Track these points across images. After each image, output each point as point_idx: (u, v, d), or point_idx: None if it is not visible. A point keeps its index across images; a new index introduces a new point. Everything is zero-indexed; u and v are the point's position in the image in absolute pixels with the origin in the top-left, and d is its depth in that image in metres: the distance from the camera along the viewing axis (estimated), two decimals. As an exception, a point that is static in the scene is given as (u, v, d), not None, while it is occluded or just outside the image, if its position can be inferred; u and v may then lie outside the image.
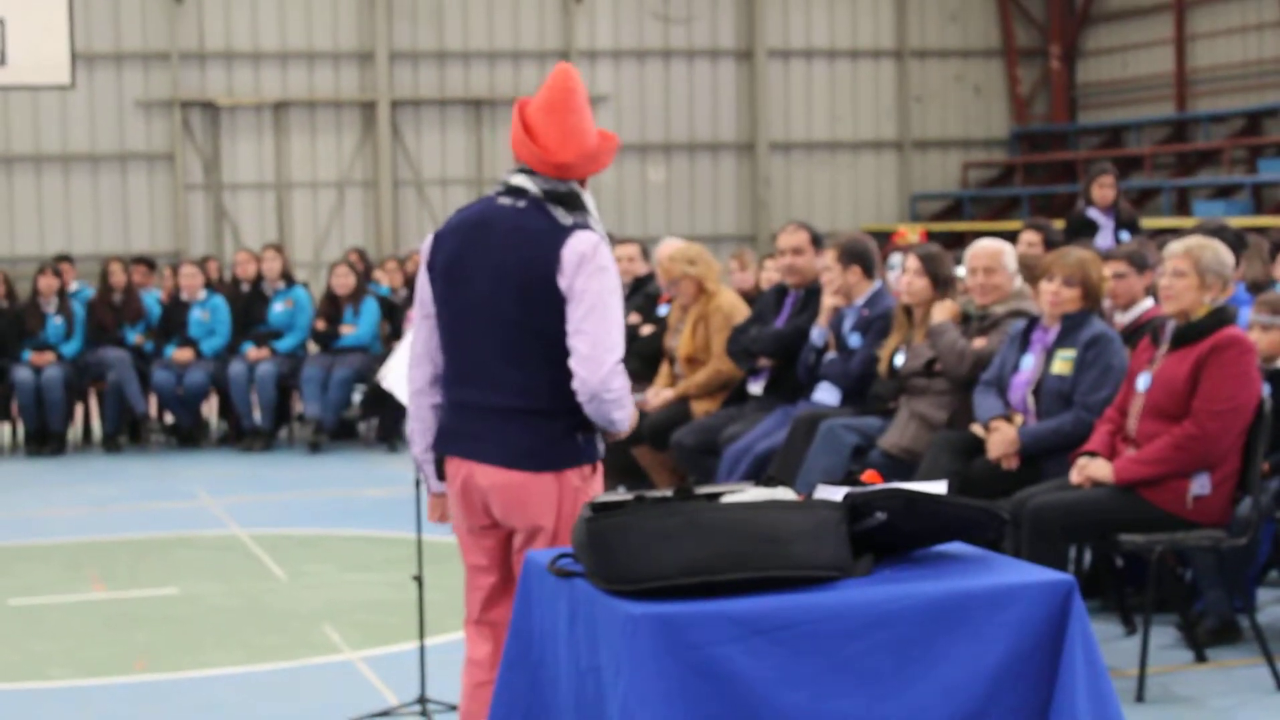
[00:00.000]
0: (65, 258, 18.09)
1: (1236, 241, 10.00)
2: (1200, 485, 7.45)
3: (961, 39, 27.46)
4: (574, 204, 5.32)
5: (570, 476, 5.27)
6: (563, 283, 5.17)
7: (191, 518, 12.56)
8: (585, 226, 5.27)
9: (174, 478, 14.47)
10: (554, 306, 5.21)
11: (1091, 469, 7.59)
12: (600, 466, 5.41)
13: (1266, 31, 23.87)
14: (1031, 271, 9.26)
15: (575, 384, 5.18)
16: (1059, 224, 14.62)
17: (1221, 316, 7.51)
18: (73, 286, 16.79)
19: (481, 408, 5.31)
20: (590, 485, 5.33)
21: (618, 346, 5.21)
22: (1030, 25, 27.65)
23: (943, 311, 9.16)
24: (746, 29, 26.43)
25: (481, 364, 5.30)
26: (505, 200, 5.34)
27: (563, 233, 5.23)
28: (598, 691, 4.11)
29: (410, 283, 16.44)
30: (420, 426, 5.53)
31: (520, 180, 5.33)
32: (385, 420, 15.84)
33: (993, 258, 9.07)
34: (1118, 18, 26.70)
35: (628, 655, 3.90)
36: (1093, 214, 15.06)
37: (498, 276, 5.26)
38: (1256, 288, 10.11)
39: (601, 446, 5.41)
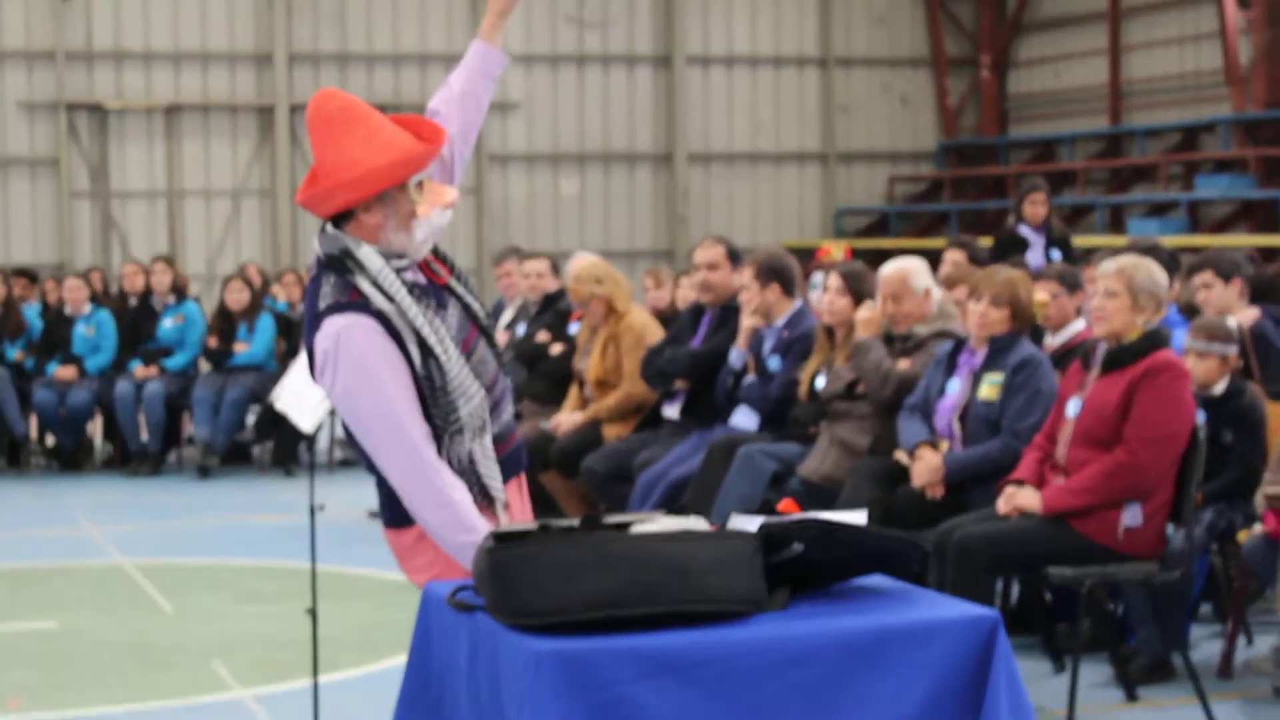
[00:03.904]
0: (-61, 268, 17.66)
1: (1170, 261, 10.09)
2: (1132, 516, 7.40)
3: (889, 47, 27.18)
4: (344, 267, 4.64)
5: (398, 534, 4.81)
6: (322, 386, 4.69)
7: (73, 546, 12.38)
8: (339, 308, 4.61)
9: (55, 503, 14.31)
10: None
11: (1019, 499, 7.55)
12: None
13: (1203, 43, 23.54)
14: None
15: None
16: (987, 241, 14.67)
17: (1154, 339, 7.50)
18: (-53, 298, 16.52)
19: None
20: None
21: (404, 469, 4.60)
22: (960, 33, 27.36)
23: (867, 324, 9.07)
24: (665, 34, 25.97)
25: None
26: (313, 268, 4.80)
27: (315, 323, 4.66)
28: (500, 731, 4.00)
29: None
30: None
31: (315, 243, 4.75)
32: (280, 443, 15.67)
33: (899, 283, 9.08)
34: (1050, 26, 26.46)
35: (530, 694, 3.83)
36: (1024, 231, 14.96)
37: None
38: (1190, 310, 10.03)
39: (490, 495, 4.81)
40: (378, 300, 4.58)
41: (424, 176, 4.72)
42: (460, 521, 4.53)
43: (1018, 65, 27.08)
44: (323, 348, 4.60)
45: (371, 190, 4.59)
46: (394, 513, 4.77)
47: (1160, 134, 24.11)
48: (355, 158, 4.58)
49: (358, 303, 4.59)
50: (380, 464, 4.62)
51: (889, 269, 9.18)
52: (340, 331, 4.56)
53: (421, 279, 4.73)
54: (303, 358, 9.07)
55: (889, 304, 9.07)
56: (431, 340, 4.62)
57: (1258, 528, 8.08)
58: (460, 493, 4.58)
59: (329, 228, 4.69)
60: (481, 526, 4.51)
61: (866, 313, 9.11)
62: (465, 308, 4.82)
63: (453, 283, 4.83)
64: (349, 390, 4.59)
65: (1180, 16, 23.94)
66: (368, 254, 4.60)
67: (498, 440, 4.80)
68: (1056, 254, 14.42)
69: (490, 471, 4.76)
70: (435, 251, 4.84)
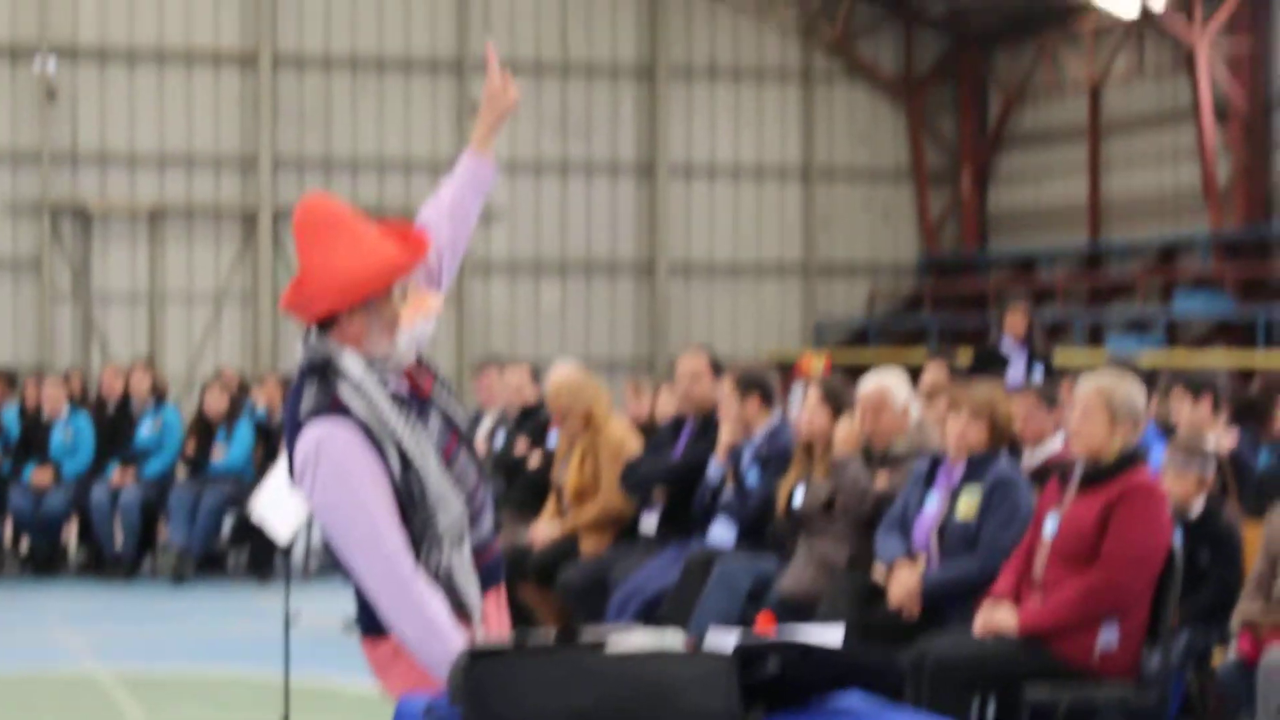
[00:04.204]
0: (-84, 368, 17.56)
1: (1146, 379, 9.95)
2: (1108, 636, 7.32)
3: (870, 159, 27.34)
4: (327, 374, 4.65)
5: (374, 643, 4.76)
6: (301, 494, 4.67)
7: (45, 653, 12.14)
8: (319, 414, 4.61)
9: (28, 608, 14.07)
10: None
11: (996, 618, 7.47)
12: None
13: (1182, 160, 23.64)
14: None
15: None
16: (966, 353, 14.80)
17: (1132, 458, 7.44)
18: (-77, 399, 16.36)
19: None
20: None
21: (381, 577, 4.57)
22: (941, 148, 27.48)
23: (846, 440, 9.01)
24: (648, 143, 26.09)
25: None
26: (296, 376, 4.80)
27: (295, 430, 4.65)
28: None
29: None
30: None
31: (298, 349, 4.78)
32: (256, 551, 15.43)
33: (878, 400, 9.06)
34: (1031, 142, 26.62)
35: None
36: (1006, 346, 14.89)
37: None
38: (1168, 427, 10.06)
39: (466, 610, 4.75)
40: (359, 408, 4.57)
41: (408, 284, 4.74)
42: (436, 633, 4.49)
43: (998, 180, 27.22)
44: (303, 454, 4.58)
45: (355, 298, 4.60)
46: (371, 622, 4.72)
47: (1139, 250, 24.24)
48: (339, 265, 4.59)
49: (339, 410, 4.57)
50: (357, 572, 4.58)
51: (868, 385, 9.16)
52: (321, 439, 4.55)
53: (404, 388, 4.72)
54: (281, 465, 9.06)
55: (867, 419, 9.04)
56: (412, 451, 4.60)
57: (1232, 651, 8.02)
58: (437, 603, 4.54)
59: (313, 334, 4.67)
60: (457, 638, 4.47)
61: (845, 430, 9.08)
62: (447, 417, 4.79)
63: (435, 391, 4.81)
64: (327, 497, 4.57)
65: (1159, 134, 24.08)
66: (350, 361, 4.60)
67: (477, 551, 4.77)
68: (1039, 370, 14.39)
69: (467, 583, 4.71)
70: (419, 360, 4.82)
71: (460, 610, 4.70)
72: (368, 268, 4.61)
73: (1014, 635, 7.41)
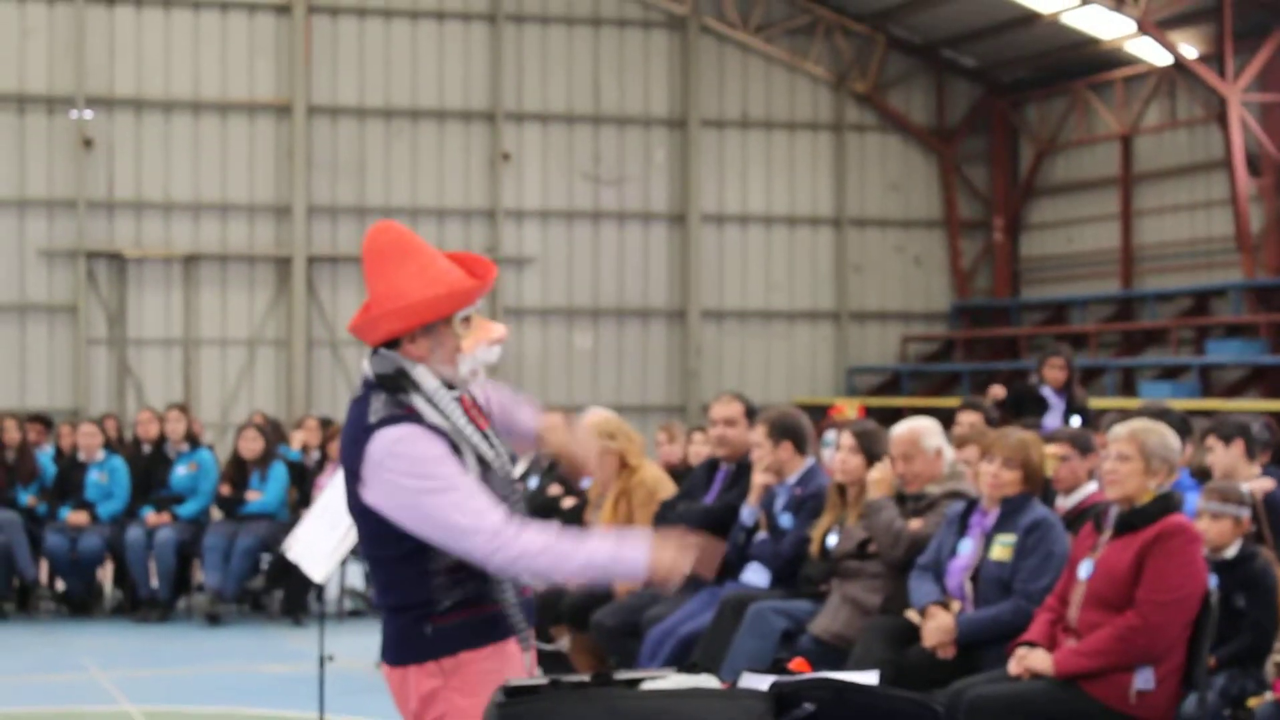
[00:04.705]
0: (-45, 412, 17.55)
1: (1181, 425, 10.06)
2: (1144, 679, 7.30)
3: (903, 208, 27.27)
4: (398, 386, 4.74)
5: (415, 673, 4.81)
6: (369, 498, 4.72)
7: (80, 692, 12.11)
8: (394, 420, 4.69)
9: (63, 648, 14.04)
10: (373, 515, 4.74)
11: (1030, 660, 7.47)
12: (493, 649, 4.84)
13: (1215, 209, 23.59)
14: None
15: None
16: (997, 393, 14.89)
17: (1167, 503, 7.44)
18: (-37, 443, 16.39)
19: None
20: (457, 676, 4.79)
21: (471, 532, 4.61)
22: (973, 196, 27.43)
23: (879, 484, 9.05)
24: (680, 192, 26.07)
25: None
26: (358, 387, 4.90)
27: (364, 436, 4.73)
28: None
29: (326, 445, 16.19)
30: None
31: (365, 364, 4.87)
32: (291, 592, 15.35)
33: (910, 444, 9.07)
34: (1063, 191, 26.55)
35: None
36: (1045, 393, 14.89)
37: (345, 477, 4.89)
38: (1202, 473, 10.00)
39: (506, 627, 4.86)
40: (433, 417, 4.66)
41: (471, 312, 4.80)
42: (599, 561, 4.57)
43: (1030, 228, 27.16)
44: (375, 457, 4.64)
45: (417, 321, 4.70)
46: (392, 651, 4.83)
47: (1171, 298, 24.15)
48: (403, 289, 4.70)
49: (413, 416, 4.65)
50: (463, 549, 4.61)
51: (901, 429, 9.18)
52: (401, 436, 4.63)
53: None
54: (316, 506, 9.09)
55: (900, 463, 9.07)
56: (489, 455, 4.71)
57: (1269, 695, 7.95)
58: (549, 533, 4.60)
59: (382, 351, 4.76)
60: (609, 544, 4.59)
61: (879, 473, 9.09)
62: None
63: (489, 433, 4.89)
64: (409, 487, 4.61)
65: (1192, 183, 24.03)
66: (423, 374, 4.70)
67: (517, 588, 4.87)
68: (1076, 421, 14.32)
69: (512, 605, 4.85)
70: (475, 402, 4.92)
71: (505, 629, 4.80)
72: (431, 293, 4.72)
73: (1050, 676, 7.38)
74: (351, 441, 4.75)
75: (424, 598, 4.77)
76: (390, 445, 4.64)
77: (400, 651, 4.83)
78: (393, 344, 4.77)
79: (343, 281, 24.65)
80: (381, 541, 4.78)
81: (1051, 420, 14.25)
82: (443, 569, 4.74)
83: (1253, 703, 8.11)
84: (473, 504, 4.61)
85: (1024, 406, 14.31)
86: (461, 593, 4.77)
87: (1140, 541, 7.33)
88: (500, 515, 4.62)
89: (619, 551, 4.60)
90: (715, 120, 26.16)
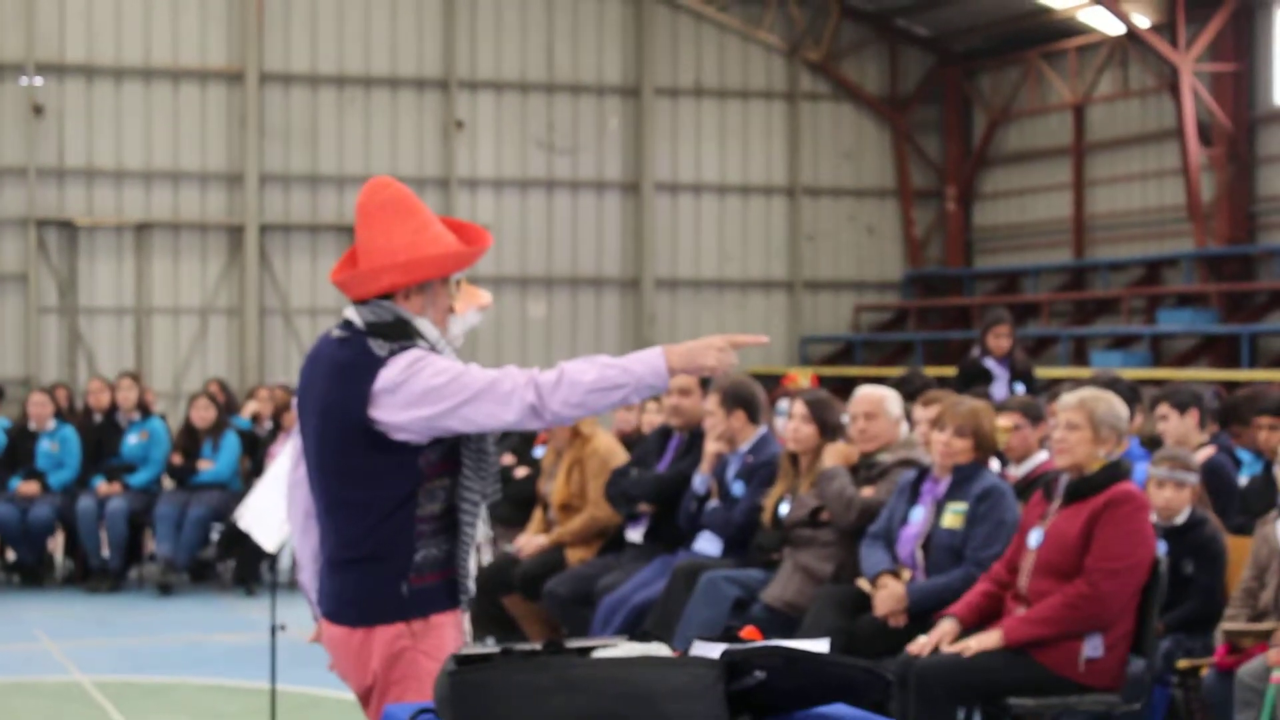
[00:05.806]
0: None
1: (1130, 394, 10.15)
2: (1093, 647, 7.36)
3: (855, 178, 27.28)
4: (398, 333, 4.79)
5: (382, 633, 4.85)
6: (388, 416, 4.67)
7: (31, 662, 12.12)
8: (405, 349, 4.75)
9: (13, 619, 13.99)
10: (368, 450, 4.75)
11: (976, 641, 7.50)
12: (456, 614, 4.94)
13: (1166, 179, 23.69)
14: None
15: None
16: (950, 371, 14.94)
17: (1115, 471, 7.50)
18: (-89, 412, 16.37)
19: (324, 558, 5.04)
20: (427, 639, 4.86)
21: (509, 387, 4.62)
22: (926, 166, 27.47)
23: (834, 455, 9.11)
24: (634, 161, 26.04)
25: (320, 512, 4.99)
26: (335, 333, 4.92)
27: (375, 364, 4.74)
28: None
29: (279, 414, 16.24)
30: (309, 553, 5.19)
31: (349, 312, 4.91)
32: (243, 561, 15.39)
33: (875, 403, 9.14)
34: (1015, 161, 26.61)
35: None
36: (988, 363, 14.97)
37: (318, 419, 4.88)
38: (1152, 442, 10.08)
39: (462, 592, 4.92)
40: (443, 351, 4.74)
41: (462, 277, 4.88)
42: (570, 392, 4.59)
43: (983, 198, 27.22)
44: (395, 376, 4.67)
45: (418, 277, 4.75)
46: (362, 610, 4.86)
47: (1123, 268, 24.26)
48: (404, 244, 4.76)
49: (416, 349, 4.71)
50: (510, 406, 4.61)
51: (867, 388, 9.27)
52: (419, 356, 4.68)
53: None
54: (268, 475, 9.08)
55: (862, 420, 9.09)
56: None
57: (1208, 661, 8.06)
58: (573, 369, 4.62)
59: (376, 301, 4.80)
60: (615, 362, 4.64)
61: (838, 448, 9.14)
62: None
63: None
64: (437, 385, 4.63)
65: (1144, 153, 24.12)
66: (425, 325, 4.78)
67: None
68: (1020, 388, 14.41)
69: (469, 558, 4.88)
70: None
71: (451, 595, 4.84)
72: (433, 251, 4.79)
73: (999, 646, 7.43)
74: (345, 379, 4.77)
75: (406, 547, 4.81)
76: (410, 362, 4.69)
77: (366, 611, 4.86)
78: (384, 298, 4.83)
79: (295, 250, 24.56)
80: (366, 485, 4.77)
81: (998, 390, 14.33)
82: (427, 516, 4.78)
83: (1183, 664, 8.16)
84: (496, 372, 4.67)
85: (971, 381, 14.34)
86: (436, 550, 4.81)
87: (1089, 510, 7.38)
88: (517, 381, 4.64)
89: (634, 357, 4.66)
90: (669, 89, 26.12)
